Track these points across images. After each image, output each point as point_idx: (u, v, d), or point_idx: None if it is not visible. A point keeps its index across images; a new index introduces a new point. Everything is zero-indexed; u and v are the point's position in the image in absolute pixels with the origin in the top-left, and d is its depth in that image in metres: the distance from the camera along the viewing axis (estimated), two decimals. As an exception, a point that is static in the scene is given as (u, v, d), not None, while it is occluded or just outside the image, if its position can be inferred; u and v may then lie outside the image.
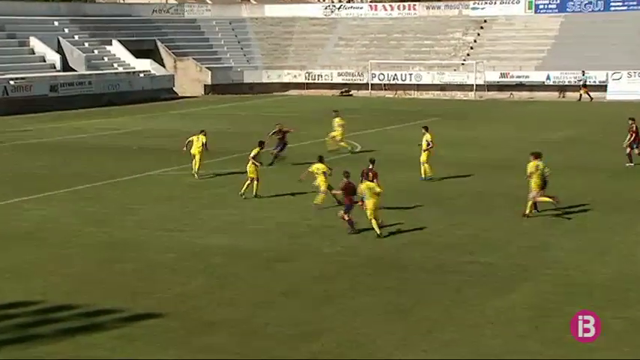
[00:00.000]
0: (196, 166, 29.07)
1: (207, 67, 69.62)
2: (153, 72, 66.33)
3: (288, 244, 20.37)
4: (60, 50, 62.80)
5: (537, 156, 22.90)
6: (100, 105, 57.24)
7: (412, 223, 22.22)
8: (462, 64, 67.78)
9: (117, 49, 66.99)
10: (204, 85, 69.09)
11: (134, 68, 65.98)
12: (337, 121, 34.76)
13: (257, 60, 73.60)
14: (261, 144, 26.30)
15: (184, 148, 29.72)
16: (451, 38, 71.61)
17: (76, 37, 65.93)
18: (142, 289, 16.83)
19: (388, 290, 16.69)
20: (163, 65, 68.80)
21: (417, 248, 19.87)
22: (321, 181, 24.03)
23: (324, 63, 71.82)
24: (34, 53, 61.99)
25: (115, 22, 70.11)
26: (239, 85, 69.56)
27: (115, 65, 65.58)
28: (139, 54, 67.01)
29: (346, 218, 21.12)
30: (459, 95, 65.34)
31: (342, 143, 34.44)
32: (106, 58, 65.89)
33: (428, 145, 28.23)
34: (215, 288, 16.95)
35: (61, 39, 63.77)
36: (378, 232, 20.61)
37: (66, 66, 62.04)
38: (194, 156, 29.16)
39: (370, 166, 22.82)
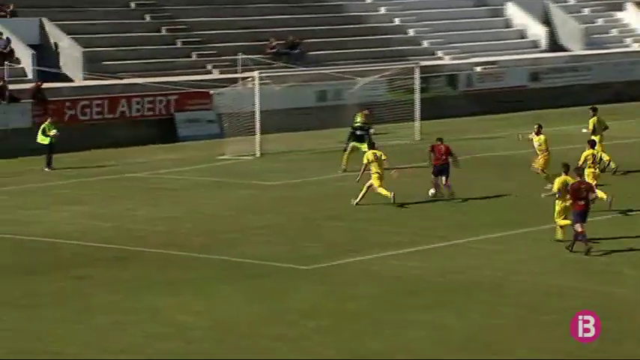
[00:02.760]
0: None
1: None
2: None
3: None
4: (548, 21, 66.43)
5: None
6: (601, 101, 57.89)
7: None
8: None
9: (632, 16, 69.10)
10: None
11: (658, 45, 67.00)
12: (594, 121, 36.82)
13: None
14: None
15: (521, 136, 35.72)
16: None
17: (572, 0, 69.39)
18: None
19: None
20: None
21: None
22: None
23: None
24: (511, 27, 66.28)
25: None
26: None
27: (628, 41, 67.71)
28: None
29: (579, 230, 25.04)
30: None
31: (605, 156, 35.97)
32: (614, 31, 68.28)
33: None
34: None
35: (548, 5, 67.19)
36: None
37: (554, 44, 65.48)
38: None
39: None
